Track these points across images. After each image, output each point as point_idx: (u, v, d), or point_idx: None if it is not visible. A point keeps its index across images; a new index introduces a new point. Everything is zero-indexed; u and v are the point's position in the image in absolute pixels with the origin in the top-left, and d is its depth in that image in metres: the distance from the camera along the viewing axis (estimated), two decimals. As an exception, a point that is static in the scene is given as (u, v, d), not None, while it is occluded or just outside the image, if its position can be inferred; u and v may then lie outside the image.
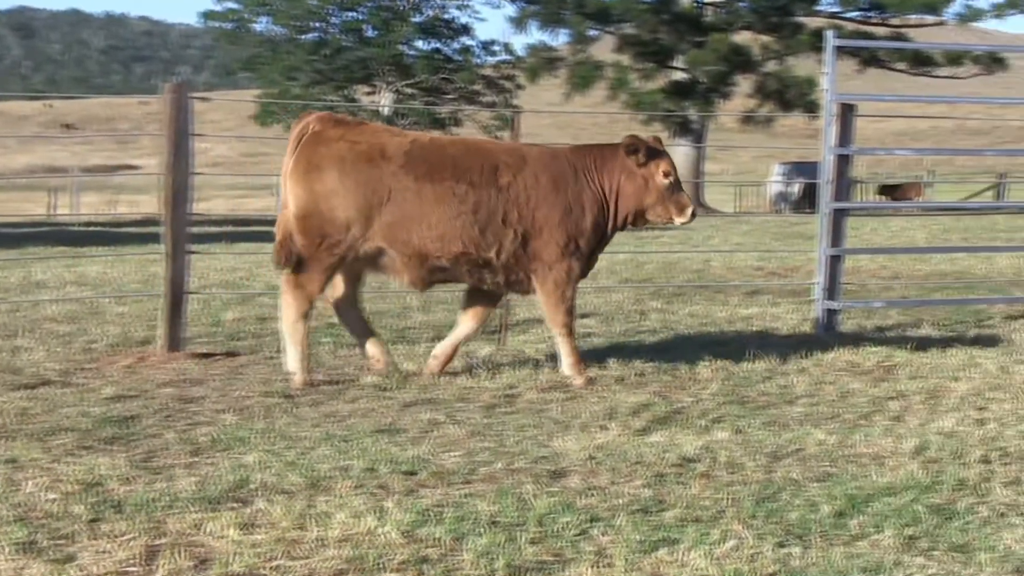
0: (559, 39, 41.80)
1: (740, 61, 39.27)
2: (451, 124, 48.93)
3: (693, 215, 9.33)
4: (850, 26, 40.96)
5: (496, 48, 50.47)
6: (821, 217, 11.58)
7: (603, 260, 17.48)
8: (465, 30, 50.14)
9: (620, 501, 5.80)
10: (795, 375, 9.13)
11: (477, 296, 9.35)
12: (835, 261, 11.51)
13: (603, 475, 6.27)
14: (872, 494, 5.94)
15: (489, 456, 6.63)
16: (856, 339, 10.65)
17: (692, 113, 38.36)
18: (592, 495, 5.90)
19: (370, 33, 48.97)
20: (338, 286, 9.20)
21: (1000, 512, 5.74)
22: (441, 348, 9.35)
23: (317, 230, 8.73)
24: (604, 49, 42.57)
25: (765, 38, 41.20)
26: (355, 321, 9.37)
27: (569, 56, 41.79)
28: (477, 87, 49.79)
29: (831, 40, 11.49)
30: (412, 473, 6.25)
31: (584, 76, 40.32)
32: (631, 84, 40.07)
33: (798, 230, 26.13)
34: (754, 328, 11.51)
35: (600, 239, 9.30)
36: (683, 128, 40.36)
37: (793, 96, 39.35)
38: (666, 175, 9.19)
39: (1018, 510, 5.77)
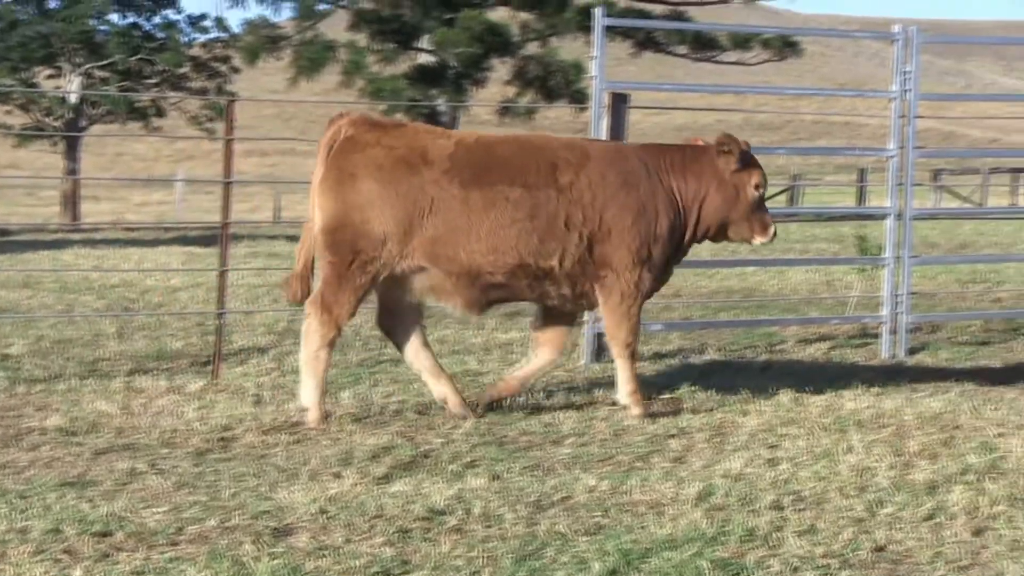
0: (282, 14, 41.60)
1: (496, 43, 39.56)
2: (153, 114, 48.17)
3: (774, 236, 9.52)
4: (623, 3, 41.74)
5: (207, 24, 49.92)
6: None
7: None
8: (169, 2, 49.49)
9: (357, 562, 5.80)
10: (562, 411, 9.24)
11: (549, 317, 9.46)
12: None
13: (337, 532, 6.25)
14: (650, 548, 6.04)
15: (200, 512, 6.56)
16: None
17: (441, 103, 38.53)
18: (324, 556, 5.88)
19: (53, 5, 47.97)
20: (402, 325, 9.36)
21: (794, 566, 5.89)
22: (511, 377, 9.57)
23: (349, 245, 8.80)
24: (337, 27, 42.51)
25: (525, 16, 41.66)
26: (424, 359, 9.37)
27: (295, 34, 41.62)
28: (184, 70, 49.16)
29: (600, 19, 11.69)
30: (106, 534, 6.14)
31: (313, 58, 40.11)
32: (369, 68, 40.07)
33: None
34: (514, 356, 11.61)
35: (675, 250, 9.42)
36: (431, 120, 40.54)
37: (558, 84, 39.83)
38: (757, 188, 9.33)
39: (813, 563, 5.94)
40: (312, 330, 8.90)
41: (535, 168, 9.04)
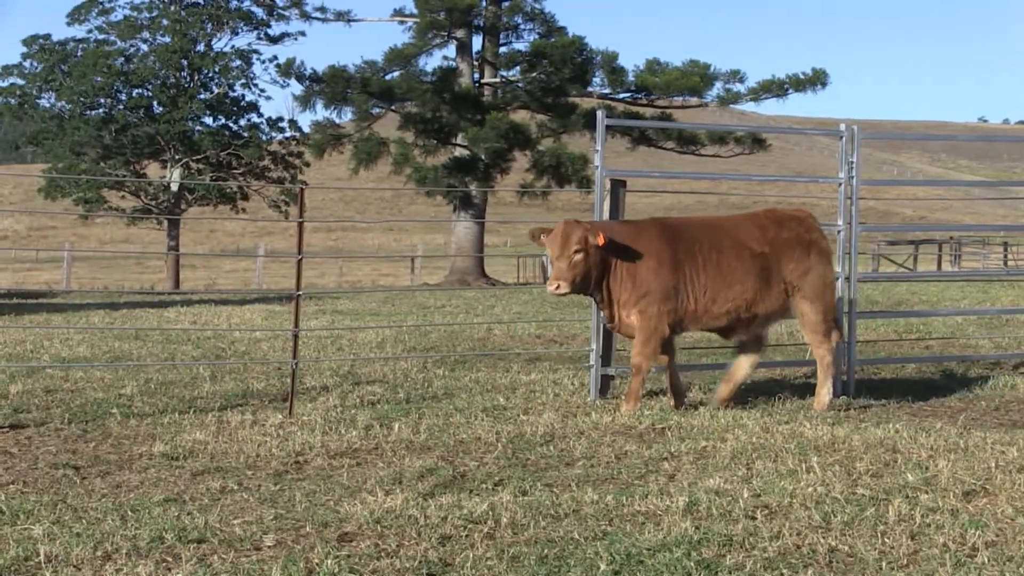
0: (344, 116, 41.88)
1: (518, 138, 39.82)
2: (240, 198, 48.43)
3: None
4: (621, 107, 41.93)
5: (283, 125, 50.24)
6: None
7: (389, 330, 17.46)
8: (252, 107, 49.78)
9: (408, 564, 5.78)
10: (573, 438, 9.22)
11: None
12: (609, 329, 11.70)
13: (391, 539, 6.24)
14: (646, 551, 6.02)
15: (278, 522, 6.55)
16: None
17: (473, 188, 38.72)
18: (380, 559, 5.87)
19: (157, 109, 48.30)
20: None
21: (764, 566, 5.87)
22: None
23: None
24: (388, 126, 42.74)
25: (541, 117, 41.90)
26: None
27: (354, 133, 41.86)
28: (265, 163, 49.44)
29: (602, 120, 11.73)
30: (201, 541, 6.13)
31: (368, 152, 40.41)
32: (414, 159, 40.30)
33: (575, 300, 26.45)
34: (534, 393, 11.59)
35: None
36: (465, 202, 40.73)
37: (567, 171, 40.04)
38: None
39: (780, 563, 5.91)
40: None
41: None
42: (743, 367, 11.11)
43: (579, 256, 10.21)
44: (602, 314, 10.88)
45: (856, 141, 12.45)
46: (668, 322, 10.51)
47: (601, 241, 10.22)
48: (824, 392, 10.98)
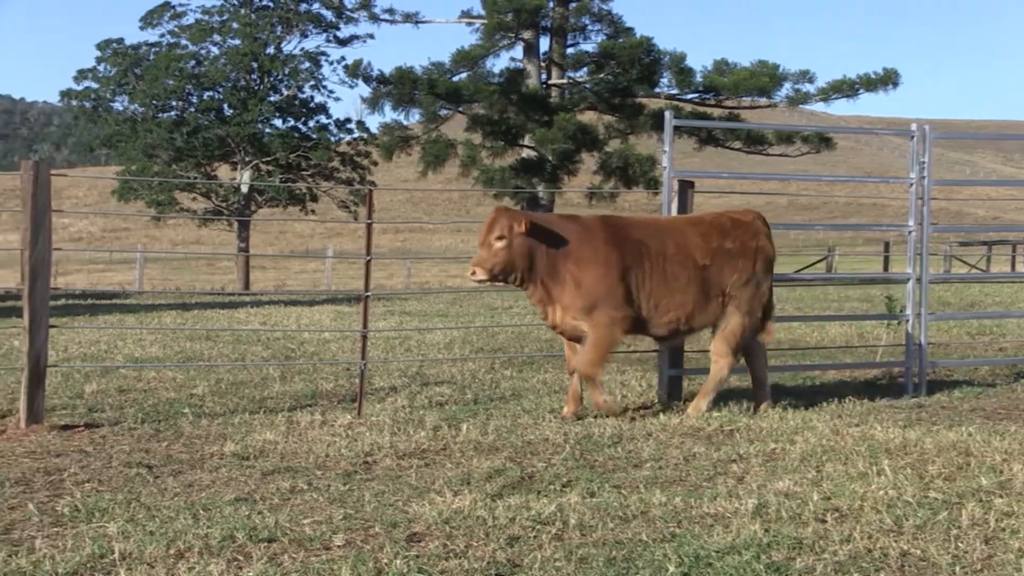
0: (412, 118, 41.99)
1: (585, 140, 39.74)
2: (309, 200, 48.76)
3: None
4: (688, 107, 41.75)
5: (351, 127, 50.50)
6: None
7: (457, 331, 17.49)
8: (321, 109, 50.10)
9: (477, 565, 5.79)
10: (641, 440, 9.20)
11: None
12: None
13: (459, 539, 6.24)
14: (715, 554, 5.99)
15: (348, 522, 6.57)
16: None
17: (540, 190, 38.70)
18: (449, 559, 5.88)
19: (228, 112, 48.73)
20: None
21: (835, 569, 5.82)
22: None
23: None
24: (456, 127, 42.83)
25: (608, 118, 41.82)
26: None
27: (422, 134, 41.97)
28: (334, 164, 49.73)
29: (670, 120, 11.69)
30: (272, 540, 6.17)
31: (436, 154, 40.48)
32: (482, 161, 40.34)
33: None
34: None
35: None
36: (532, 204, 40.71)
37: (635, 173, 39.93)
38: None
39: (851, 567, 5.86)
40: None
41: None
42: (760, 368, 10.99)
43: (500, 244, 9.88)
44: (536, 309, 10.37)
45: (928, 141, 12.34)
46: (621, 329, 10.13)
47: (524, 229, 9.86)
48: (703, 404, 10.48)
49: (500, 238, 9.89)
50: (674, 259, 10.30)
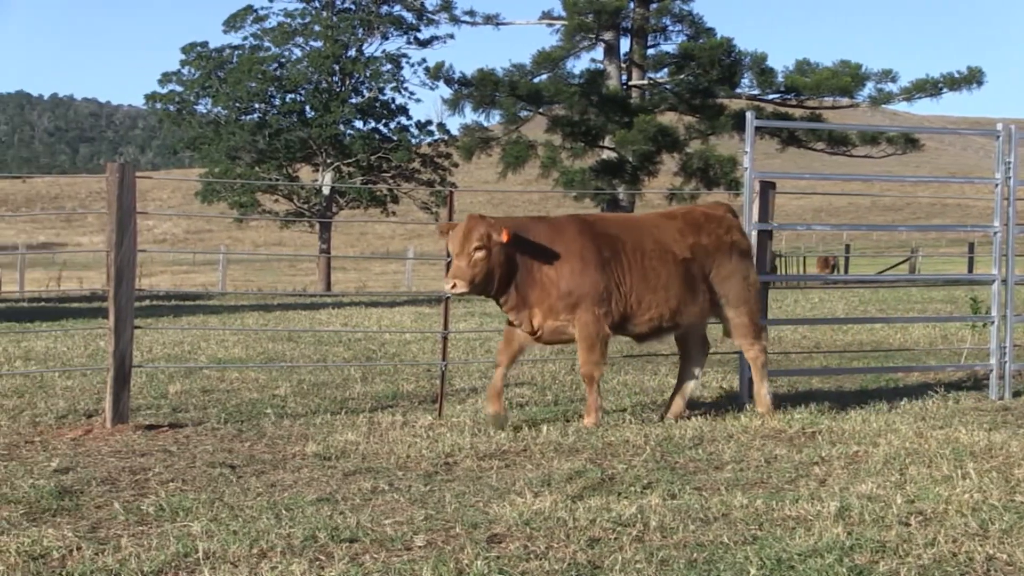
0: (492, 119, 42.04)
1: (666, 141, 39.58)
2: (390, 201, 49.02)
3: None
4: (770, 108, 41.46)
5: (432, 128, 50.72)
6: (745, 290, 11.65)
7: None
8: (402, 111, 50.36)
9: (557, 566, 5.78)
10: (722, 442, 9.15)
11: None
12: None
13: (539, 540, 6.24)
14: (797, 556, 5.95)
15: (429, 523, 6.59)
16: (780, 406, 10.69)
17: (621, 191, 38.62)
18: (530, 560, 5.88)
19: (310, 114, 49.13)
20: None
21: (919, 573, 5.76)
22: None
23: None
24: (536, 129, 42.84)
25: (689, 119, 41.63)
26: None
27: (502, 136, 42.01)
28: (414, 165, 49.97)
29: (751, 121, 11.62)
30: (353, 540, 6.20)
31: (517, 155, 40.49)
32: (562, 163, 40.32)
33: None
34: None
35: None
36: (613, 205, 40.63)
37: (716, 174, 39.71)
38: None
39: (936, 571, 5.79)
40: None
41: None
42: (691, 377, 10.61)
43: (480, 254, 9.43)
44: (513, 320, 9.97)
45: (1013, 140, 12.17)
46: (608, 324, 9.83)
47: (505, 238, 9.49)
48: (764, 392, 10.50)
49: (479, 248, 9.46)
50: (652, 254, 10.09)
